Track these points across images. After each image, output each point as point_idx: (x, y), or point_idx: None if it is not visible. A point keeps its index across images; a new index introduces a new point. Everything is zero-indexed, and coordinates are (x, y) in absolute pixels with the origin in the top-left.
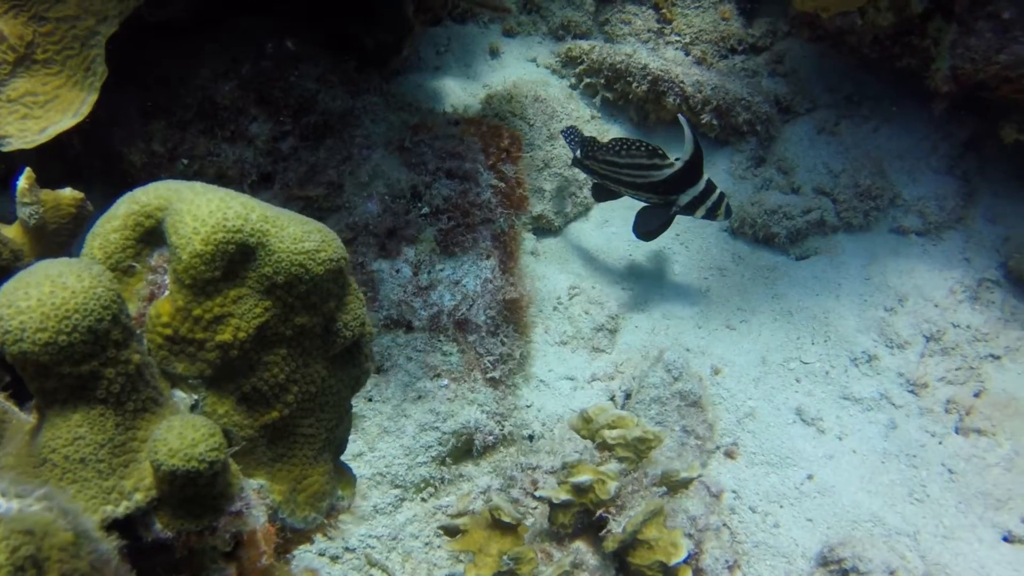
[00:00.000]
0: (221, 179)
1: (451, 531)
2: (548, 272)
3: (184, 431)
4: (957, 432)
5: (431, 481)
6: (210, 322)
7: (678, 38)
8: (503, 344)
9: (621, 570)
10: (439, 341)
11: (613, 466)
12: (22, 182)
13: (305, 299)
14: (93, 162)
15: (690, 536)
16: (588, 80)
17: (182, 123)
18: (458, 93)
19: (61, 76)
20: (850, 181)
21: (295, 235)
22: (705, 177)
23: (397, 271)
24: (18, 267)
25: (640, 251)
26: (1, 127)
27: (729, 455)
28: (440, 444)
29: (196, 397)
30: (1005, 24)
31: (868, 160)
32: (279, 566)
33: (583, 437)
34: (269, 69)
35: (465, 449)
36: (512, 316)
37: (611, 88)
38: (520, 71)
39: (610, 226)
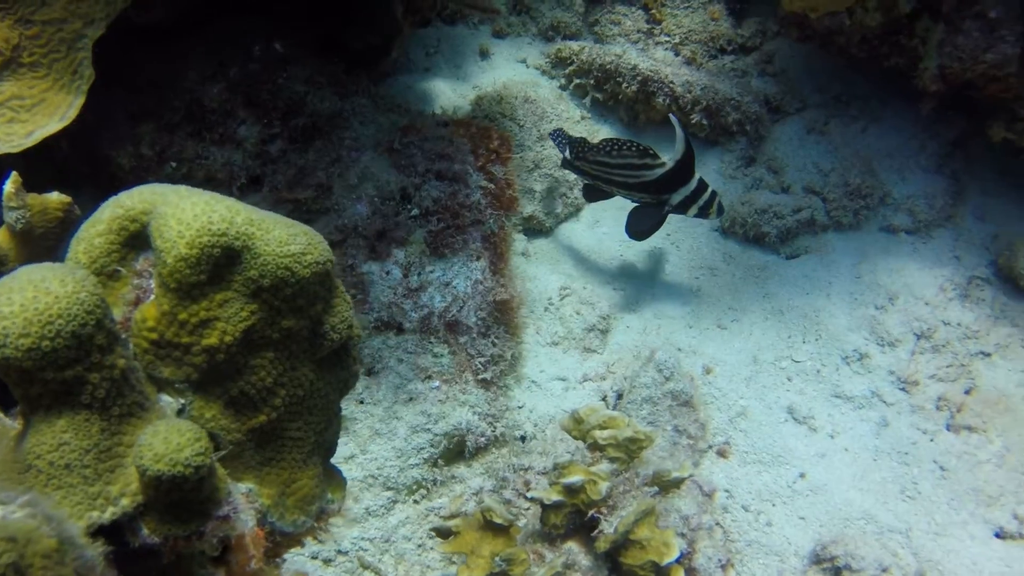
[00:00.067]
0: (210, 182)
1: (443, 533)
2: (539, 273)
3: (169, 436)
4: (948, 429)
5: (423, 483)
6: (196, 326)
7: (667, 38)
8: (494, 345)
9: (613, 570)
10: (430, 343)
11: (604, 466)
12: (8, 186)
13: (291, 302)
14: (81, 166)
15: (683, 535)
16: (578, 81)
17: (170, 126)
18: (448, 94)
19: (48, 79)
20: (840, 180)
21: (281, 238)
22: (697, 176)
23: (387, 273)
24: (3, 272)
25: (631, 251)
26: None
27: (721, 454)
28: (432, 446)
29: (183, 401)
30: (992, 23)
31: (858, 159)
32: (268, 570)
33: (574, 438)
34: (257, 72)
35: (457, 451)
36: (503, 317)
37: (601, 89)
38: (510, 72)
39: (601, 226)
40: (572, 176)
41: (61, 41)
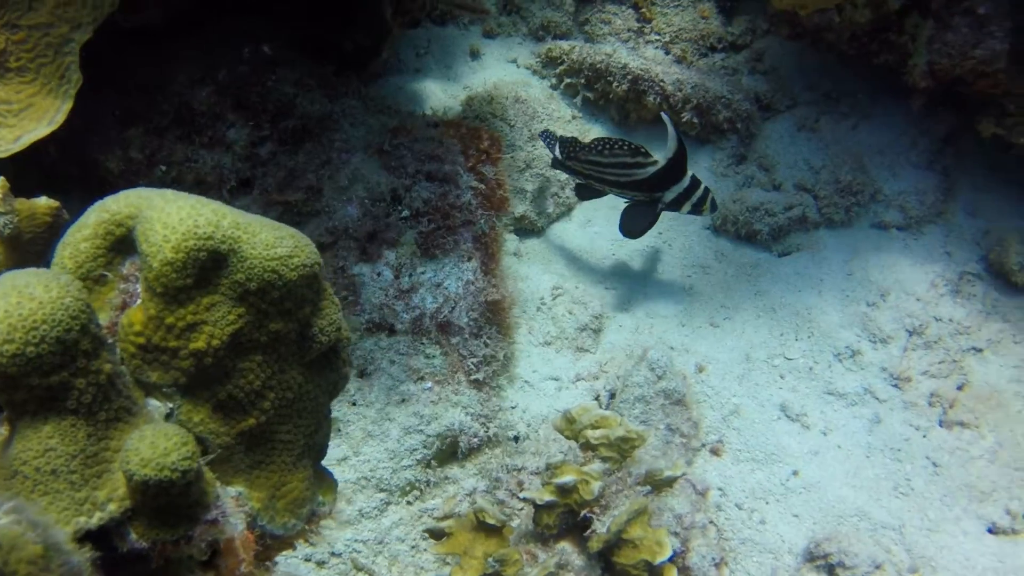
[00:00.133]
0: (200, 185)
1: (437, 534)
2: (531, 273)
3: (156, 440)
4: (941, 425)
5: (416, 484)
6: (183, 330)
7: (658, 37)
8: (486, 346)
9: (607, 570)
10: (422, 344)
11: (596, 466)
12: None
13: (279, 305)
14: (70, 170)
15: (676, 534)
16: (569, 80)
17: (159, 129)
18: (438, 95)
19: (35, 84)
20: (831, 177)
21: (267, 241)
22: (689, 173)
23: (378, 274)
24: None
25: (623, 250)
26: None
27: (714, 452)
28: (425, 447)
29: (171, 406)
30: (981, 19)
31: (848, 156)
32: (259, 573)
33: (567, 438)
34: (246, 74)
35: (450, 451)
36: (495, 317)
37: (592, 88)
38: (501, 72)
39: (593, 226)
40: (563, 176)
41: (48, 45)
